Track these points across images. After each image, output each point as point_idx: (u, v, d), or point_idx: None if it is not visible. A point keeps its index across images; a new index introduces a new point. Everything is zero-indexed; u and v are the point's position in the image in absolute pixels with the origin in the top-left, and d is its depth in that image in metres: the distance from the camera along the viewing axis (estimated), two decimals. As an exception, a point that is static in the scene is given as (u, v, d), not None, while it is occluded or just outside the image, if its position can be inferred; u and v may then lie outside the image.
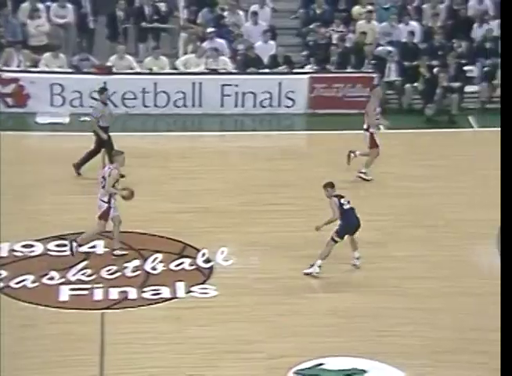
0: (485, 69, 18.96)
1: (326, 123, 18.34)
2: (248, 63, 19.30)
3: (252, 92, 18.82)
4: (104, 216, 12.57)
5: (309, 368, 10.32)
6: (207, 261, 12.77)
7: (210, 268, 12.63)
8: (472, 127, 18.27)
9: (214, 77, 18.93)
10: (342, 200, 12.54)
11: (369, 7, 20.24)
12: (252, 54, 19.38)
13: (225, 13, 20.29)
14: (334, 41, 19.68)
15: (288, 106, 19.04)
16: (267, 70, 19.28)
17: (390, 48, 19.47)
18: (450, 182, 15.42)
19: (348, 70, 19.28)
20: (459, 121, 18.28)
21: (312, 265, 12.41)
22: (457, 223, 13.83)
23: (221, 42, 19.54)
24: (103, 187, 12.60)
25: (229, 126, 18.47)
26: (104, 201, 12.59)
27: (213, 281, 12.31)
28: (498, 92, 18.74)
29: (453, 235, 13.44)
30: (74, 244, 12.61)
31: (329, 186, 12.72)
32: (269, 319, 11.42)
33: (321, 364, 10.36)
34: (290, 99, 19.02)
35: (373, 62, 19.24)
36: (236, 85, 18.77)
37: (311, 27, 20.11)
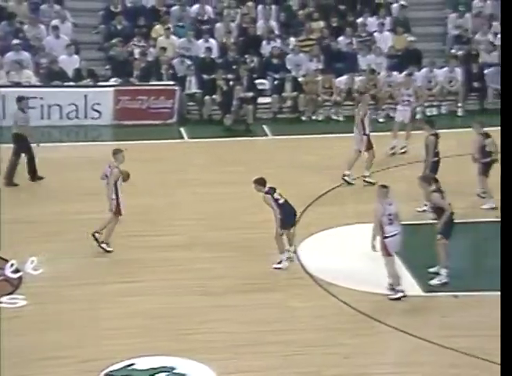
0: (275, 82, 19.62)
1: (132, 134, 18.28)
2: (52, 76, 18.89)
3: (58, 105, 18.43)
4: (117, 210, 12.96)
5: (120, 369, 10.22)
6: (16, 271, 12.33)
7: (19, 278, 12.22)
8: (266, 135, 18.81)
9: (18, 89, 18.33)
10: (275, 195, 12.41)
11: (168, 24, 20.42)
12: (56, 67, 18.99)
13: (25, 27, 19.74)
14: (136, 56, 19.67)
15: (94, 118, 18.81)
16: (72, 83, 18.95)
17: (189, 62, 19.74)
18: (248, 186, 15.77)
19: (151, 83, 19.31)
20: (255, 130, 18.76)
21: (280, 262, 12.53)
22: (256, 225, 14.14)
23: (25, 55, 19.01)
24: (108, 184, 13.01)
25: (36, 138, 17.95)
26: (112, 198, 13.01)
27: (22, 291, 11.91)
28: (288, 103, 19.48)
29: (253, 236, 13.71)
30: (104, 245, 12.99)
31: (259, 182, 12.49)
32: (80, 325, 11.21)
33: (131, 364, 10.30)
34: (96, 111, 18.80)
35: (172, 74, 19.43)
36: (41, 98, 18.32)
37: (113, 41, 19.99)
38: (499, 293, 11.86)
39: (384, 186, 12.19)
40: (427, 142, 14.57)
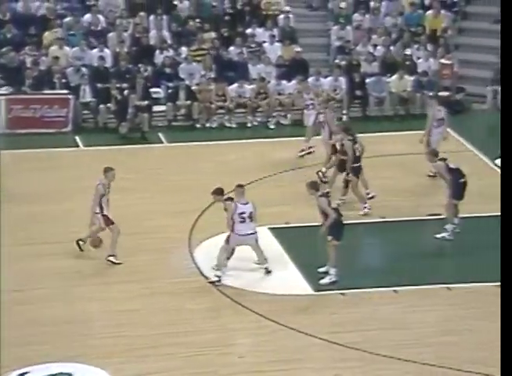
0: (169, 91, 19.59)
1: (26, 142, 17.87)
2: None
3: None
4: (108, 222, 12.82)
5: (14, 378, 9.97)
6: None
7: None
8: (162, 142, 18.73)
9: None
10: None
11: (59, 33, 20.06)
12: None
13: None
14: (28, 65, 19.26)
15: (-14, 127, 18.32)
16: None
17: (84, 69, 19.46)
18: (145, 192, 15.70)
19: (45, 92, 18.94)
20: (151, 138, 18.66)
21: (217, 269, 12.46)
22: (154, 230, 14.11)
23: None
24: (94, 200, 12.90)
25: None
26: (97, 212, 12.84)
27: None
28: (182, 111, 19.47)
29: (151, 241, 13.68)
30: (111, 258, 12.74)
31: (216, 192, 12.57)
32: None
33: (25, 373, 10.00)
34: (-13, 119, 18.31)
35: (65, 83, 19.12)
36: None
37: (3, 50, 19.46)
38: (383, 289, 12.35)
39: (241, 186, 12.58)
40: (345, 148, 14.80)
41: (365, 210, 14.52)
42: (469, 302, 12.03)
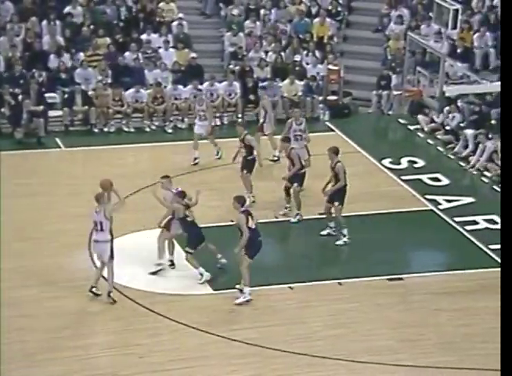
0: (65, 96, 19.20)
1: None
2: None
3: None
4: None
5: None
6: None
7: None
8: (59, 147, 18.34)
9: None
10: (186, 212, 12.45)
11: None
12: None
13: None
14: None
15: None
16: None
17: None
18: (44, 197, 15.37)
19: None
20: (48, 143, 18.24)
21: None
22: (54, 234, 13.82)
23: None
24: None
25: None
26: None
27: None
28: (79, 116, 19.12)
29: (52, 245, 13.42)
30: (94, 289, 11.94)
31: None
32: None
33: None
34: None
35: None
36: None
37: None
38: (279, 286, 12.51)
39: (166, 176, 12.94)
40: (292, 157, 14.64)
41: (298, 217, 14.56)
42: (357, 296, 12.36)
